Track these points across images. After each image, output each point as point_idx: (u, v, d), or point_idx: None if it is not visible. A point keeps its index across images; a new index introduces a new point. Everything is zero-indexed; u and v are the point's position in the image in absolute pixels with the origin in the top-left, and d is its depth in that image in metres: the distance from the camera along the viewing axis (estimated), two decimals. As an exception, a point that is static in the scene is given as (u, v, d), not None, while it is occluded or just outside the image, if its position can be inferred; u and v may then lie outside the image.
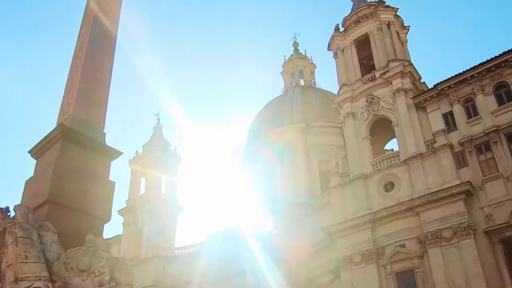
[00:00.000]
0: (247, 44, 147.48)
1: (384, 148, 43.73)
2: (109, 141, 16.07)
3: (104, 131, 16.13)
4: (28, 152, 15.42)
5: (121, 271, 13.27)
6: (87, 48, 16.81)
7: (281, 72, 69.90)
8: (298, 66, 67.84)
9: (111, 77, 17.27)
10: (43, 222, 12.59)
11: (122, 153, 15.88)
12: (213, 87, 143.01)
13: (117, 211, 58.28)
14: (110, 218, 14.65)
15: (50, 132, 14.62)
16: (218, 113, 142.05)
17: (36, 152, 15.11)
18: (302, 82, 66.24)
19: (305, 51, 70.81)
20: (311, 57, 70.04)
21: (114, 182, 15.18)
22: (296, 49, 71.05)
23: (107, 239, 54.64)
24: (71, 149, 14.40)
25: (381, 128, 38.95)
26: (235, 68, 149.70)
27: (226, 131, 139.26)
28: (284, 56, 70.60)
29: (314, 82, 67.38)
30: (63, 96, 16.58)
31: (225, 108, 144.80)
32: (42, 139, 14.92)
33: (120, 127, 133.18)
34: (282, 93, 64.34)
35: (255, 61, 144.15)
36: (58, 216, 13.16)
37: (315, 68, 69.66)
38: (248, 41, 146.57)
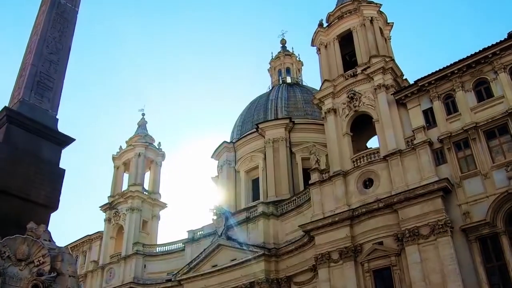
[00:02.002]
0: (236, 41, 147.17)
1: (368, 145, 43.43)
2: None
3: (58, 116, 15.53)
4: (-24, 137, 14.74)
5: (64, 261, 12.63)
6: (42, 31, 16.18)
7: (268, 69, 69.46)
8: (285, 63, 67.34)
9: (67, 61, 16.65)
10: (-22, 208, 11.97)
11: (74, 139, 15.25)
12: (201, 83, 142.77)
13: (99, 207, 57.83)
14: (57, 207, 13.98)
15: (-5, 116, 13.99)
16: (205, 110, 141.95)
17: (-16, 137, 14.46)
18: (289, 79, 65.74)
19: (292, 48, 70.49)
20: (298, 55, 69.68)
21: (64, 170, 14.55)
22: (283, 46, 70.65)
23: (88, 235, 54.29)
24: (17, 134, 13.76)
25: (365, 125, 38.60)
26: (223, 65, 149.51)
27: (212, 128, 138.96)
28: (272, 53, 70.31)
29: (301, 80, 66.97)
30: (15, 81, 15.99)
31: (213, 104, 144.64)
32: (-12, 124, 14.27)
33: (105, 123, 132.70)
34: (268, 90, 63.75)
35: (244, 58, 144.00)
36: (-3, 203, 12.50)
37: (303, 65, 69.23)
38: (237, 38, 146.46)
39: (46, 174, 13.87)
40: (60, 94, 15.98)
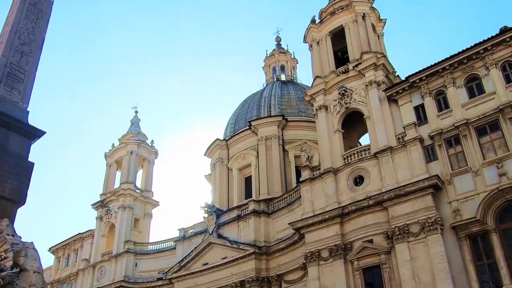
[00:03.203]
0: (230, 38, 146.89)
1: (361, 142, 43.02)
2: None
3: (28, 109, 15.10)
4: None
5: (27, 256, 12.20)
6: (14, 21, 15.77)
7: (262, 67, 69.05)
8: (279, 60, 66.93)
9: (41, 52, 16.22)
10: None
11: (44, 132, 14.80)
12: (195, 81, 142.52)
13: (91, 205, 57.37)
14: (25, 201, 13.53)
15: (-40, 108, 13.56)
16: (200, 107, 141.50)
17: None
18: (283, 77, 65.31)
19: (287, 46, 70.12)
20: (293, 52, 69.31)
21: (33, 163, 14.11)
22: (278, 44, 70.26)
23: (80, 233, 53.83)
24: (-17, 125, 13.35)
25: (357, 122, 38.15)
26: (218, 62, 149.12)
27: (207, 126, 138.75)
28: (266, 50, 69.95)
29: (296, 77, 66.56)
30: (-14, 72, 15.54)
31: (207, 102, 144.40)
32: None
33: (98, 121, 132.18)
34: (262, 88, 63.32)
35: (239, 56, 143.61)
36: (-42, 196, 12.07)
37: (297, 63, 68.90)
38: (232, 35, 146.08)
39: (12, 167, 13.42)
40: (32, 86, 15.54)
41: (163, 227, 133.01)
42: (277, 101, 55.36)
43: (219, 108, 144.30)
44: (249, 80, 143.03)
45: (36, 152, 42.22)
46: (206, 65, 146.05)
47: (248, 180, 52.42)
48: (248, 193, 51.36)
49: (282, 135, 51.40)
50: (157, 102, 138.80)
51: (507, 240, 26.96)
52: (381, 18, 42.56)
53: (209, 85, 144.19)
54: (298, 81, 64.84)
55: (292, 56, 68.64)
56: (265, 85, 63.80)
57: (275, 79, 64.79)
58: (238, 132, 54.60)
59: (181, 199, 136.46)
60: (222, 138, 56.30)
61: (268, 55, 68.86)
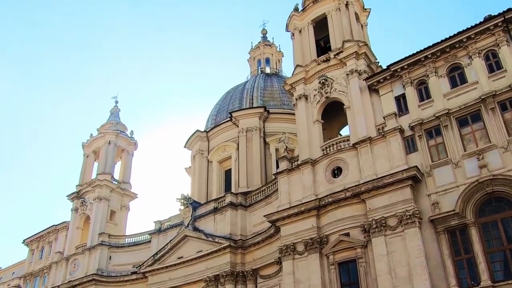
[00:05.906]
0: (216, 31, 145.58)
1: (341, 134, 41.88)
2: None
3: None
4: None
5: None
6: None
7: (248, 59, 67.86)
8: (264, 53, 65.97)
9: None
10: None
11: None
12: (179, 72, 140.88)
13: (66, 196, 55.75)
14: None
15: None
16: (183, 99, 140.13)
17: None
18: (268, 70, 64.17)
19: (273, 38, 69.03)
20: (279, 45, 68.28)
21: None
22: (264, 36, 69.14)
23: (54, 225, 52.08)
24: None
25: (338, 113, 37.00)
26: (202, 54, 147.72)
27: (191, 119, 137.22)
28: (251, 42, 68.78)
29: (281, 70, 65.47)
30: None
31: (192, 94, 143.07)
32: None
33: (76, 109, 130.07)
34: (246, 80, 62.09)
35: (224, 48, 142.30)
36: None
37: (283, 56, 67.88)
38: (218, 28, 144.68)
39: None
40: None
41: (141, 220, 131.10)
42: (260, 93, 54.15)
43: (203, 101, 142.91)
44: (233, 73, 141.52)
45: (13, 140, 39.62)
46: (190, 56, 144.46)
47: (228, 173, 51.21)
48: (228, 186, 50.15)
49: (264, 127, 50.25)
50: (139, 93, 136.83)
51: (486, 235, 25.91)
52: (365, 7, 41.45)
53: (193, 76, 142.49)
54: (283, 74, 63.66)
55: (277, 49, 67.63)
56: (249, 77, 62.52)
57: (259, 71, 63.63)
58: (219, 123, 53.33)
59: (161, 192, 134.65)
60: (202, 130, 54.89)
61: (253, 47, 67.75)
